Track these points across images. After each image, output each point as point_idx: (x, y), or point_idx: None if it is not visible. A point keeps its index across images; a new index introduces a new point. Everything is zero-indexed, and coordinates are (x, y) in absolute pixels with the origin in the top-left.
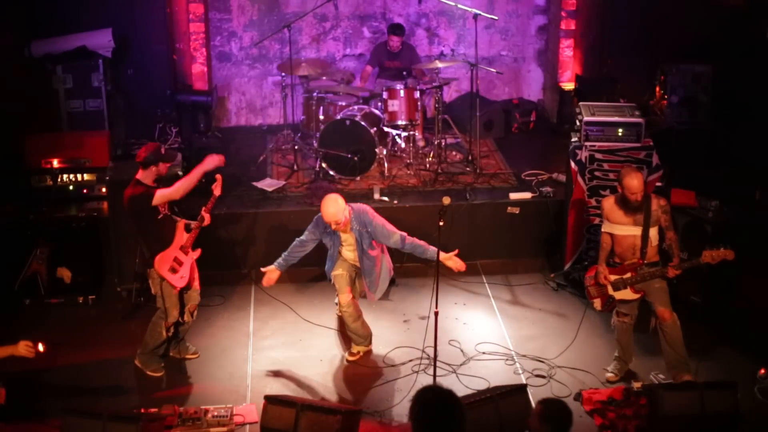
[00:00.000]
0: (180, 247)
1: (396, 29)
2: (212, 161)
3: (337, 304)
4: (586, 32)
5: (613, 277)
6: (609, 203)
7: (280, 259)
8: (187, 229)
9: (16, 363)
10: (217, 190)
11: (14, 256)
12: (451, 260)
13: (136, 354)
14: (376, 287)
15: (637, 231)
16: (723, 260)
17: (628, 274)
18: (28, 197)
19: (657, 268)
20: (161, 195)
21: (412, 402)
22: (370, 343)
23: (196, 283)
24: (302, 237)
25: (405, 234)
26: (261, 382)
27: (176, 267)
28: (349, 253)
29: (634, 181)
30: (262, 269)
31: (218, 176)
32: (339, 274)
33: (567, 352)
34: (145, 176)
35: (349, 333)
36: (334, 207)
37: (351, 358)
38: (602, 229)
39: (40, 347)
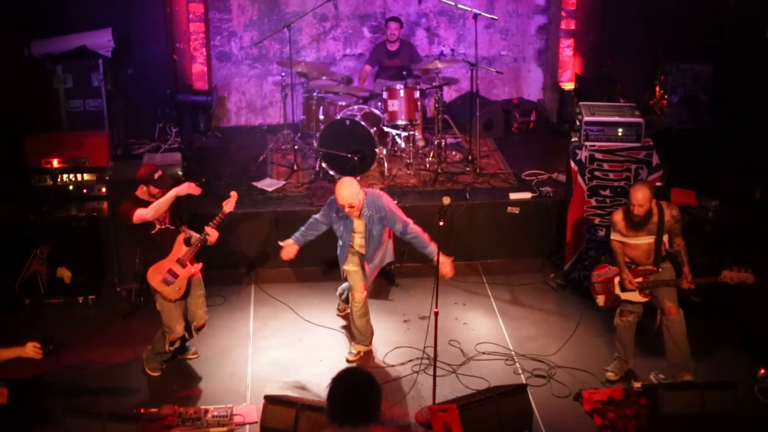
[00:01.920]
0: (177, 260)
1: (393, 18)
2: (188, 188)
3: (341, 305)
4: (586, 32)
5: (638, 281)
6: (619, 216)
7: (297, 234)
8: (187, 242)
9: (20, 365)
10: (227, 206)
11: (14, 256)
12: (446, 266)
13: (146, 349)
14: (375, 266)
15: (650, 239)
16: (742, 282)
17: (640, 279)
18: (28, 197)
19: (671, 279)
20: (138, 215)
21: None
22: (370, 343)
23: (201, 300)
24: (317, 216)
25: (410, 221)
26: (261, 382)
27: (170, 279)
28: (359, 241)
29: (638, 193)
30: (280, 243)
31: (234, 193)
32: (353, 270)
33: (567, 352)
34: (141, 193)
35: (353, 328)
36: (349, 189)
37: (351, 358)
38: (611, 237)
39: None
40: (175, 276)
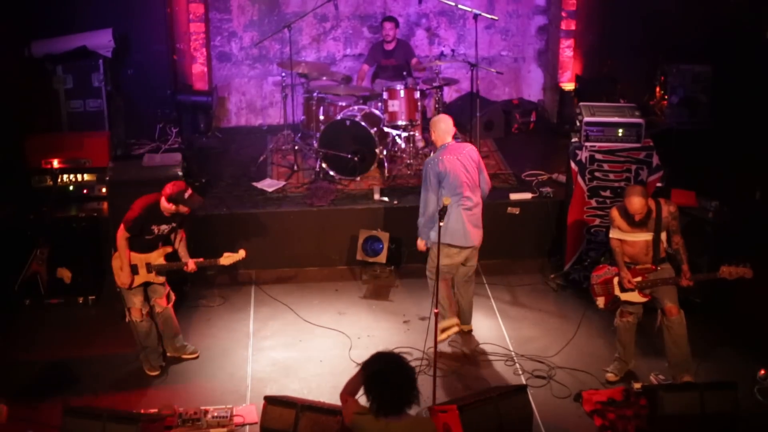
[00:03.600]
0: (147, 263)
1: (389, 18)
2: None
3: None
4: (586, 32)
5: (637, 280)
6: (616, 213)
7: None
8: (168, 257)
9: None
10: (225, 260)
11: (14, 256)
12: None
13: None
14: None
15: (648, 236)
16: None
17: (639, 278)
18: (28, 197)
19: (670, 277)
20: (119, 234)
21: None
22: (453, 316)
23: (162, 300)
24: None
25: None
26: (261, 382)
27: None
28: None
29: (634, 204)
30: None
31: (242, 252)
32: (445, 264)
33: (567, 352)
34: (166, 209)
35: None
36: (436, 123)
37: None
38: (611, 235)
39: None
40: (136, 272)
